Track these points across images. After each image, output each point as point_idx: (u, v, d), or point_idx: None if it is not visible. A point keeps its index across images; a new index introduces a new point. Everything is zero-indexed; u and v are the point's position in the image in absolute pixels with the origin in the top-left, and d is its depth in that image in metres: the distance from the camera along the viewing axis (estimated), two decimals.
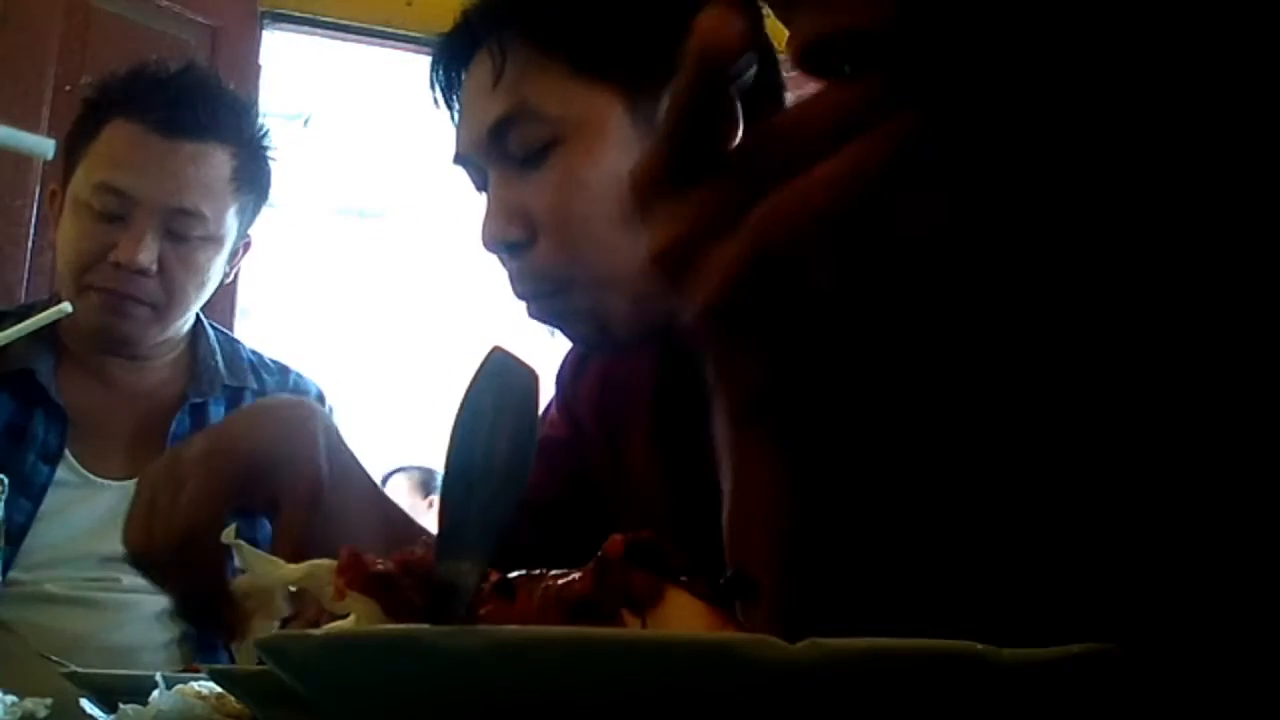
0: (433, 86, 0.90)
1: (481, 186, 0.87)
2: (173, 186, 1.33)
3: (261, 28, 3.03)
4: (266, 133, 1.42)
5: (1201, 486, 0.50)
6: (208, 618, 0.75)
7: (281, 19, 3.14)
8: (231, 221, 1.40)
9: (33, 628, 1.25)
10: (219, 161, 1.36)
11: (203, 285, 1.40)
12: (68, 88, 2.53)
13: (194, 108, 1.34)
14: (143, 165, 1.32)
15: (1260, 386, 0.42)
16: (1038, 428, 0.63)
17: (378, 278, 6.67)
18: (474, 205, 0.89)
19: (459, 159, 0.88)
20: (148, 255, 1.31)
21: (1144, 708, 0.41)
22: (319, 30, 3.26)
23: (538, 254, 0.82)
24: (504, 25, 0.83)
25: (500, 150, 0.83)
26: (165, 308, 1.37)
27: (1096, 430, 0.55)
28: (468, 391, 0.39)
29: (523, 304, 0.86)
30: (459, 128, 0.88)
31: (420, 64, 0.87)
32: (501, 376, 0.39)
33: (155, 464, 0.82)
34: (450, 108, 0.90)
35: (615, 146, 0.81)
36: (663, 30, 0.82)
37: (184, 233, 1.35)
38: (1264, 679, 0.45)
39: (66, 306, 1.11)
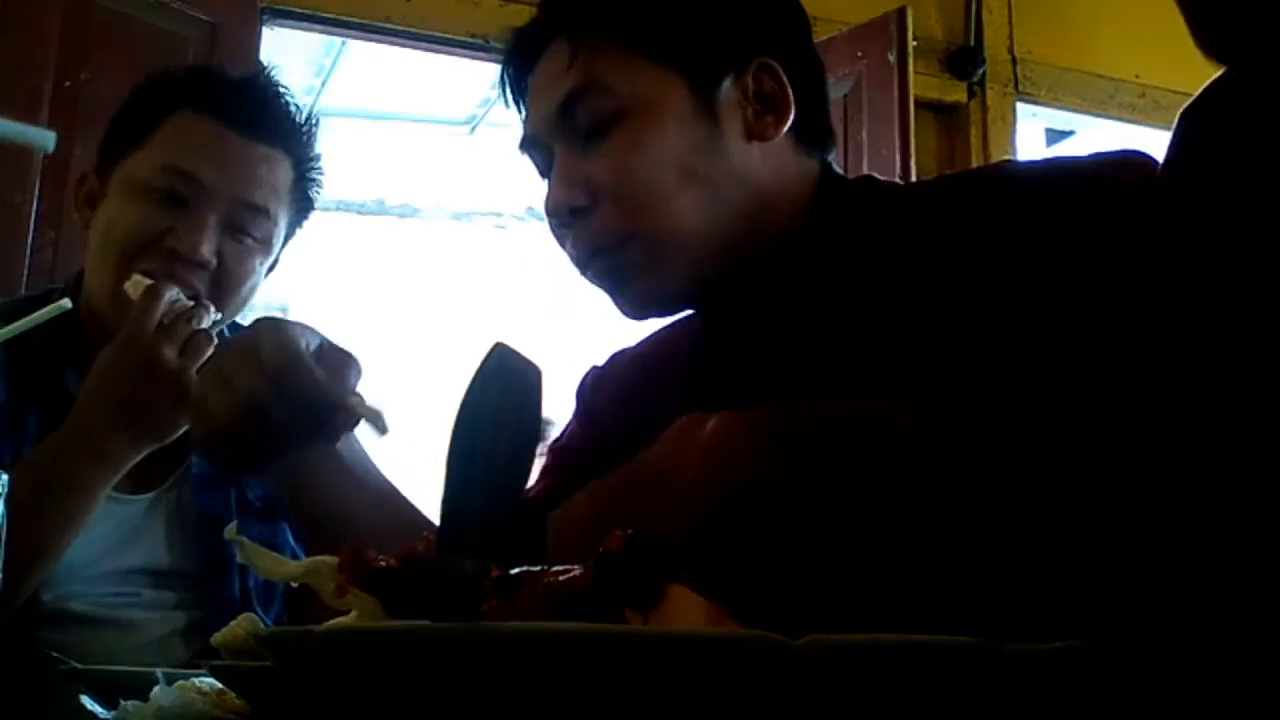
0: (503, 79, 0.96)
1: (545, 169, 0.93)
2: (243, 180, 1.29)
3: (261, 24, 3.03)
4: (320, 155, 1.39)
5: (1199, 490, 0.50)
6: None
7: (281, 15, 3.13)
8: (281, 231, 1.36)
9: (57, 648, 1.21)
10: (285, 169, 1.33)
11: (250, 291, 1.35)
12: (67, 83, 2.53)
13: (270, 112, 1.32)
14: (216, 155, 1.28)
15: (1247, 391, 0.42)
16: (1037, 436, 0.63)
17: (377, 273, 6.66)
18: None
19: (526, 141, 0.94)
20: (209, 246, 1.26)
21: (1145, 706, 0.41)
22: (319, 26, 3.25)
23: (599, 216, 0.87)
24: (579, 14, 0.90)
25: (568, 124, 0.89)
26: (215, 306, 1.30)
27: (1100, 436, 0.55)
28: (469, 387, 0.39)
29: (580, 271, 0.91)
30: (529, 111, 0.93)
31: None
32: (504, 372, 0.39)
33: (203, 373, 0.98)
34: (519, 99, 0.96)
35: (676, 122, 0.87)
36: (724, 20, 0.89)
37: (246, 228, 1.30)
38: (1264, 679, 0.45)
39: (66, 303, 1.09)
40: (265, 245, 1.34)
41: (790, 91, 0.89)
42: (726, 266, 0.87)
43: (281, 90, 1.37)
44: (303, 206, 1.39)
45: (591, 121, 0.87)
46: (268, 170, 1.31)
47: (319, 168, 1.39)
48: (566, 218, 0.88)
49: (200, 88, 1.31)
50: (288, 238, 1.40)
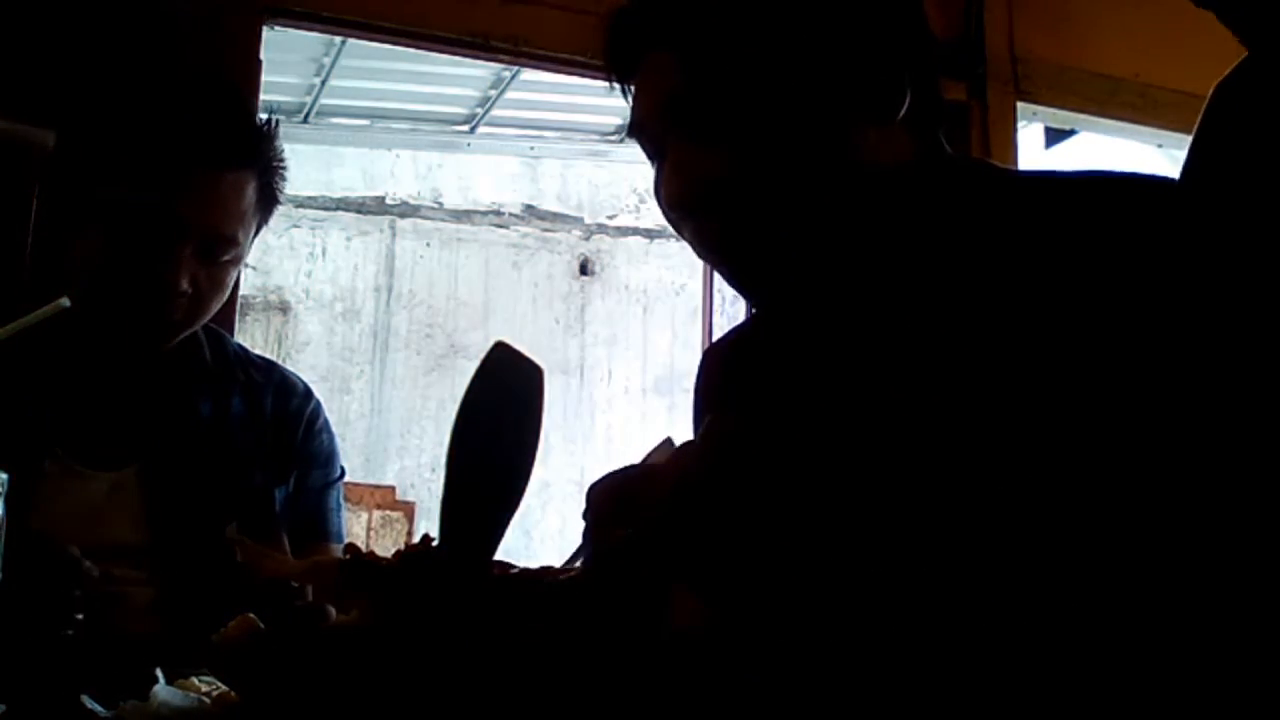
0: (608, 58, 0.96)
1: (654, 155, 0.94)
2: (216, 215, 1.36)
3: (262, 23, 3.02)
4: (281, 148, 1.45)
5: (1198, 490, 0.49)
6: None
7: (281, 14, 3.13)
8: (250, 239, 1.44)
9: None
10: (251, 187, 1.40)
11: (223, 300, 1.44)
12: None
13: (235, 135, 1.39)
14: (187, 193, 1.35)
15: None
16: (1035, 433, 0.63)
17: (377, 272, 6.66)
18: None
19: (635, 128, 0.95)
20: (187, 278, 1.35)
21: (1145, 707, 0.41)
22: (319, 25, 3.25)
23: (720, 209, 0.88)
24: (687, 31, 0.90)
25: (683, 118, 0.89)
26: (188, 324, 1.40)
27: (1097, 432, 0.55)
28: (470, 386, 0.39)
29: (701, 258, 0.93)
30: (638, 99, 0.94)
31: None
32: (505, 372, 0.39)
33: None
34: (625, 81, 0.95)
35: (798, 115, 0.87)
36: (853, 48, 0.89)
37: (217, 255, 1.38)
38: (1260, 678, 0.46)
39: (64, 301, 1.10)
40: (236, 261, 1.42)
41: (908, 76, 0.89)
42: (830, 238, 0.89)
43: (245, 107, 1.48)
44: (269, 205, 1.45)
45: (708, 117, 0.88)
46: (236, 196, 1.39)
47: (283, 165, 1.45)
48: (683, 211, 0.90)
49: (169, 129, 1.36)
50: (256, 233, 1.46)
